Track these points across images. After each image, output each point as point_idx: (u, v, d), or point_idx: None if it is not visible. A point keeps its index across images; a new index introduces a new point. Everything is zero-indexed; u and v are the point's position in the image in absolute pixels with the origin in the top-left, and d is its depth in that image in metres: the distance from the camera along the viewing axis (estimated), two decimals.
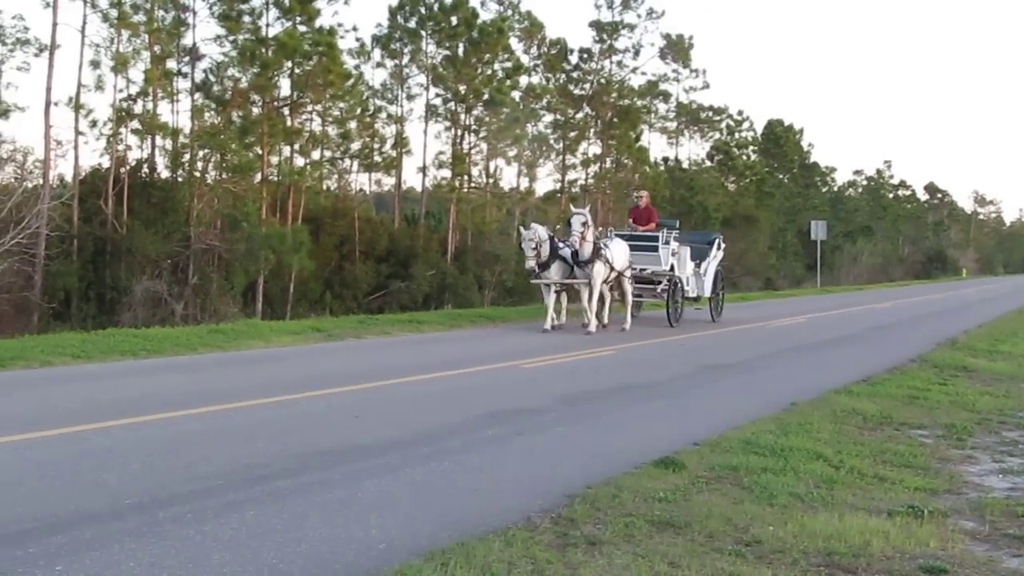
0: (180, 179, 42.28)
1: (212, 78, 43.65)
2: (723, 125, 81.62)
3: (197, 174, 42.78)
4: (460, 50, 51.74)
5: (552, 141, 61.91)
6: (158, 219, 38.74)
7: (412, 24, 52.01)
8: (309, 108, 47.05)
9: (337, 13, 55.38)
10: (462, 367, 17.03)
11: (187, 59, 43.26)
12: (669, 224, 28.62)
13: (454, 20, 50.96)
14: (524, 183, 58.83)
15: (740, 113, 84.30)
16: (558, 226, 26.40)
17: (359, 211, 50.33)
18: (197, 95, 43.43)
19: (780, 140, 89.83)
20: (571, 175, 62.67)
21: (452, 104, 53.10)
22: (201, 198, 41.48)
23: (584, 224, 23.71)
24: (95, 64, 39.87)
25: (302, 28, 42.62)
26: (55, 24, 37.30)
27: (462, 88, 51.83)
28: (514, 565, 6.64)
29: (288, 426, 11.10)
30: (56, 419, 10.78)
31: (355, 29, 64.65)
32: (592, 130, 63.56)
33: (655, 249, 26.51)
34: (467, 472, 9.34)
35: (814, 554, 7.24)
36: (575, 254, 24.04)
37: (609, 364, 18.63)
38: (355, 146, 51.14)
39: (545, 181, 61.98)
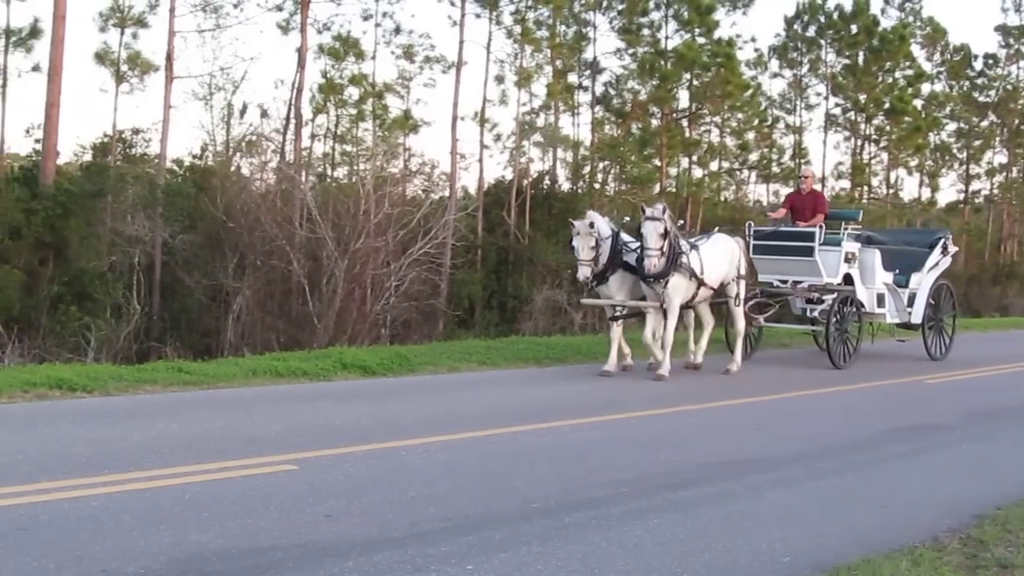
0: (580, 191, 43.11)
1: (612, 91, 44.42)
2: None
3: (597, 185, 43.58)
4: (860, 58, 50.65)
5: (955, 150, 59.71)
6: (559, 230, 39.52)
7: (810, 33, 51.33)
8: (707, 119, 47.21)
9: (735, 24, 55.15)
10: (860, 382, 16.64)
11: (588, 73, 44.17)
12: (847, 216, 21.06)
13: (854, 28, 49.86)
14: (926, 194, 56.98)
15: None
16: (626, 218, 19.34)
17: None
18: (597, 108, 44.29)
19: None
20: (975, 185, 60.19)
21: (852, 113, 52.06)
22: (601, 209, 42.06)
23: (663, 235, 15.50)
24: (499, 79, 41.39)
25: (700, 40, 42.73)
26: (461, 42, 38.88)
27: (862, 97, 50.71)
28: None
29: (688, 436, 11.12)
30: (464, 423, 11.17)
31: (753, 40, 64.26)
32: (997, 138, 60.81)
33: (810, 252, 18.66)
34: (871, 488, 9.11)
35: None
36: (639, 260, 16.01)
37: (1018, 381, 17.72)
38: (753, 157, 50.91)
39: (948, 191, 59.44)
